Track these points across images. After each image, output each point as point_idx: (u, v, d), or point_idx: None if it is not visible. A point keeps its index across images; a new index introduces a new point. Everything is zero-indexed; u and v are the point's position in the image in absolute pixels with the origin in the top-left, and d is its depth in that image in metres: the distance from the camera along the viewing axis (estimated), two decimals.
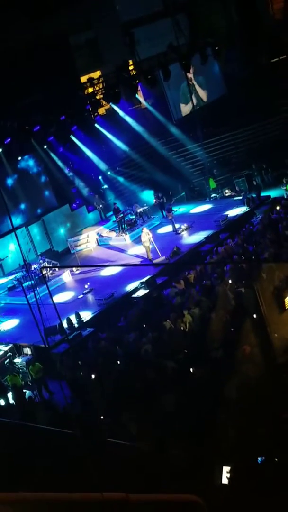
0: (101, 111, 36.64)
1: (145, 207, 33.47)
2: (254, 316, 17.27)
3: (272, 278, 19.27)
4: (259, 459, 10.64)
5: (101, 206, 35.22)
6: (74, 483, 9.28)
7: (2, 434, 16.02)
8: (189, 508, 4.64)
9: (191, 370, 16.09)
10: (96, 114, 34.49)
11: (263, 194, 31.99)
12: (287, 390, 13.22)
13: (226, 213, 30.40)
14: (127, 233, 31.69)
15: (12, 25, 30.13)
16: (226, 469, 9.89)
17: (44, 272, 28.11)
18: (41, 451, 13.61)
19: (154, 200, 34.01)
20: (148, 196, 35.93)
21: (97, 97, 32.18)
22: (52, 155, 34.05)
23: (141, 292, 24.72)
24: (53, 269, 29.03)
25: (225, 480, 9.75)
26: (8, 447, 14.61)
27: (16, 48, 29.77)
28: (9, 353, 22.65)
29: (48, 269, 28.15)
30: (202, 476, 9.78)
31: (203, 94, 40.28)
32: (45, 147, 33.00)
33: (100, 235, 33.05)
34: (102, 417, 14.93)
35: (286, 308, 17.99)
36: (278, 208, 28.02)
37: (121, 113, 36.77)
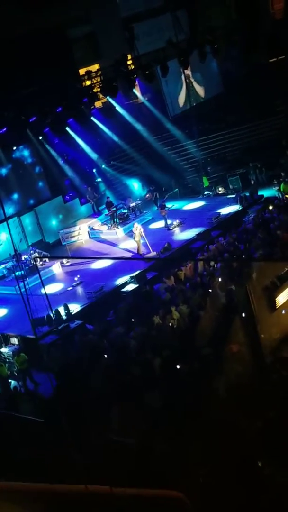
0: (98, 104, 36.51)
1: (138, 202, 33.52)
2: (243, 315, 17.33)
3: (263, 278, 19.31)
4: None
5: (94, 199, 35.15)
6: (57, 474, 9.29)
7: None
8: (172, 504, 4.65)
9: (178, 366, 16.12)
10: (92, 107, 34.37)
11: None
12: (274, 390, 13.28)
13: (219, 210, 30.42)
14: (119, 227, 31.67)
15: (10, 16, 29.99)
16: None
17: (36, 262, 28.06)
18: (24, 440, 13.64)
19: (147, 195, 34.06)
20: (133, 186, 36.11)
21: (95, 90, 32.09)
22: (47, 146, 33.98)
23: (130, 287, 24.72)
24: (43, 260, 28.97)
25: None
26: None
27: (15, 39, 29.67)
28: None
29: (40, 259, 28.06)
30: (187, 472, 9.82)
31: (200, 90, 40.23)
32: (40, 138, 32.92)
33: (92, 228, 33.01)
34: (87, 410, 14.93)
35: (277, 307, 18.02)
36: (271, 207, 28.08)
37: (117, 107, 36.70)
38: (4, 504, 4.43)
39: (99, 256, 29.35)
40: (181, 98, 39.46)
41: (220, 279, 21.27)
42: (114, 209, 32.34)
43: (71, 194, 35.88)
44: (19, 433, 14.87)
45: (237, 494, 9.72)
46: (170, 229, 30.12)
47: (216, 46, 33.61)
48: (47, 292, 24.04)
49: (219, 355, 15.76)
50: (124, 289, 24.70)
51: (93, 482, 4.44)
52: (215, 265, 23.08)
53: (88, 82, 32.18)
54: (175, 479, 9.42)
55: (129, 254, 28.35)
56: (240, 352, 15.46)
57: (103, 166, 37.34)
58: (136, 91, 37.69)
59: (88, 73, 32.79)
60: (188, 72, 38.01)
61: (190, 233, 28.75)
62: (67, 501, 4.18)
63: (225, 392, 13.82)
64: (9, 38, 29.49)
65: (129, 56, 33.57)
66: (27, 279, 24.17)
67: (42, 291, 24.37)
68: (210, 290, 20.77)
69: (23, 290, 22.16)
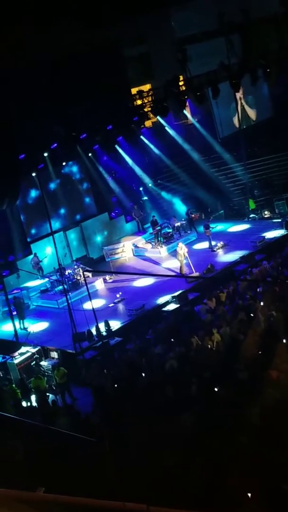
0: (148, 123, 36.80)
1: (183, 222, 33.64)
2: (284, 341, 17.19)
3: None
4: None
5: (139, 217, 35.36)
6: (91, 489, 9.34)
7: (23, 435, 16.18)
8: None
9: (215, 389, 16.02)
10: (142, 126, 34.67)
11: None
12: None
13: (264, 234, 30.34)
14: (162, 246, 31.79)
15: (68, 32, 30.44)
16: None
17: (79, 277, 28.30)
18: (60, 455, 13.70)
19: (187, 217, 34.13)
20: (178, 206, 36.23)
21: (145, 109, 32.36)
22: (96, 163, 34.39)
23: (171, 306, 24.77)
24: (86, 275, 29.19)
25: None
26: (27, 448, 14.76)
27: (70, 54, 30.08)
28: (36, 356, 22.80)
29: (83, 274, 28.28)
30: (220, 496, 9.78)
31: (251, 113, 40.29)
32: (89, 154, 33.36)
33: (136, 246, 33.19)
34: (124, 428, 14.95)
35: None
36: None
37: (167, 127, 36.99)
38: None
39: (141, 273, 29.41)
40: (231, 121, 39.56)
41: (262, 304, 21.16)
42: (159, 228, 32.50)
43: (117, 211, 36.18)
44: (55, 446, 14.94)
45: None
46: (214, 251, 30.11)
47: (268, 70, 33.68)
48: (89, 308, 24.36)
49: (257, 380, 15.62)
50: (165, 309, 24.76)
51: (129, 500, 4.50)
52: (258, 289, 22.98)
53: (139, 102, 32.45)
54: (209, 501, 9.39)
55: (171, 274, 28.40)
56: (279, 379, 15.29)
57: (150, 184, 37.55)
58: (186, 112, 37.93)
59: (140, 92, 33.03)
60: (239, 95, 38.11)
61: (233, 256, 28.71)
62: None
63: (258, 419, 13.66)
64: (66, 54, 29.89)
65: (181, 77, 33.79)
66: (70, 293, 24.41)
67: (85, 306, 24.63)
68: (251, 314, 20.66)
69: (65, 304, 22.45)
